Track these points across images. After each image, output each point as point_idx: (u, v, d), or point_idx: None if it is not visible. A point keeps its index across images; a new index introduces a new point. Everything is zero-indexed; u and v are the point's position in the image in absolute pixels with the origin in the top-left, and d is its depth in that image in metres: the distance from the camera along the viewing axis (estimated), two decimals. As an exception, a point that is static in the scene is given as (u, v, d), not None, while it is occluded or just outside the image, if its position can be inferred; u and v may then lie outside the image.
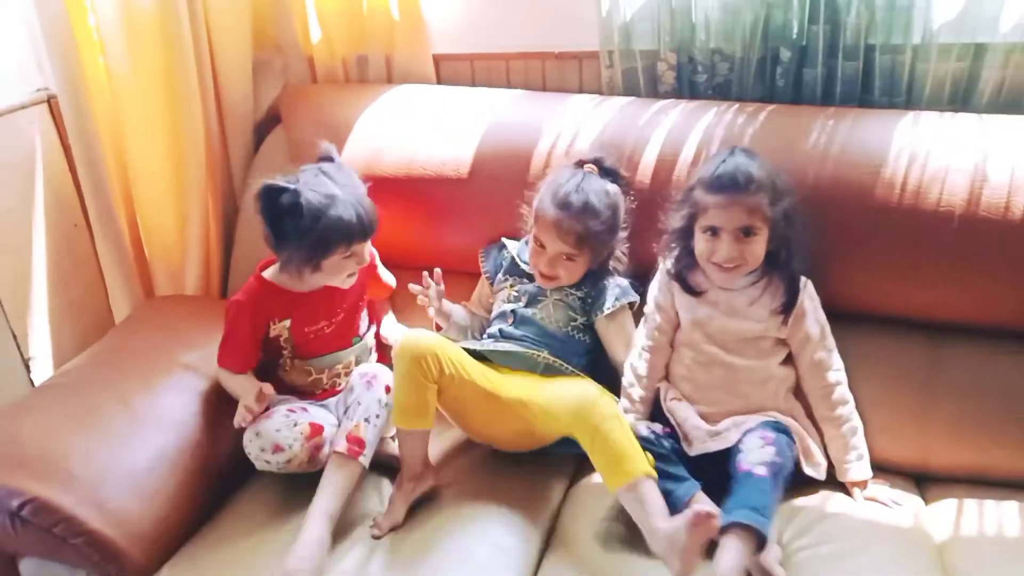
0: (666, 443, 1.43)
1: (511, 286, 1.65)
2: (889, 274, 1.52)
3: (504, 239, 1.71)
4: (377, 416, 1.49)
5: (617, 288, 1.61)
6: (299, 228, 1.45)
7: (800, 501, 1.44)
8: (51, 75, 1.77)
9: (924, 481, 1.53)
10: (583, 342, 1.62)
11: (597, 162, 1.60)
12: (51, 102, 1.89)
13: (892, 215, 1.49)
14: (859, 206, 1.51)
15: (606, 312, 1.59)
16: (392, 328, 1.76)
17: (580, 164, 1.60)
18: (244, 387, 1.51)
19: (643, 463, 1.34)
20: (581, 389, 1.43)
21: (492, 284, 1.70)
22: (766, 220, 1.42)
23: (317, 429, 1.49)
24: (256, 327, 1.56)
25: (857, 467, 1.45)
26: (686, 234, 1.50)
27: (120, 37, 1.76)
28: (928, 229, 1.47)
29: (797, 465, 1.42)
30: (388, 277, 1.76)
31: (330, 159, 1.58)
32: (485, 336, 1.65)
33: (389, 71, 1.98)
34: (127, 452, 1.46)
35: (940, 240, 1.47)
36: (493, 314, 1.68)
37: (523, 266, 1.64)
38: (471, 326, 1.72)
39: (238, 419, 1.47)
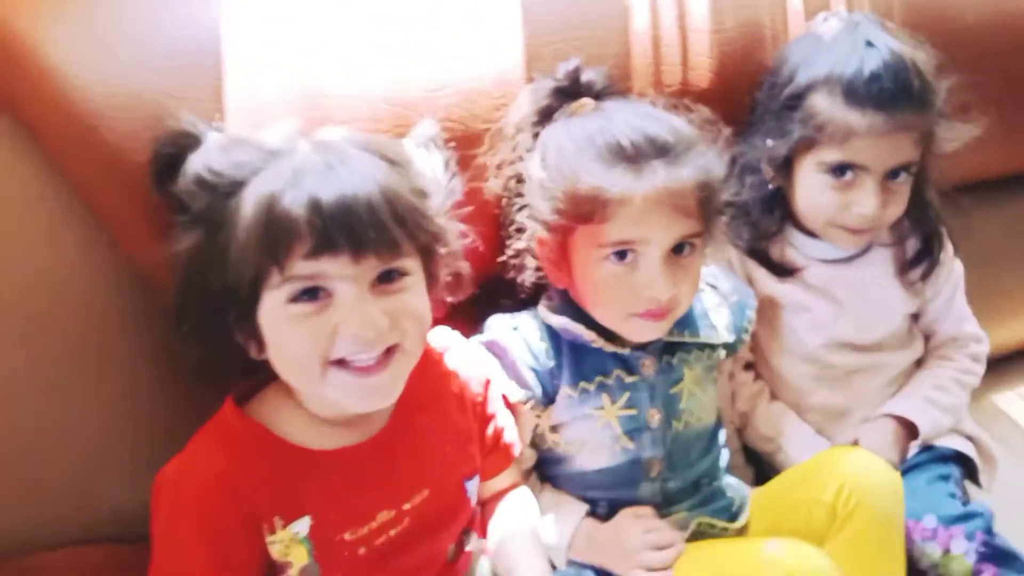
0: None
1: (612, 402, 0.85)
2: None
3: (508, 320, 0.86)
4: None
5: (735, 292, 0.93)
6: (192, 221, 0.66)
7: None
8: None
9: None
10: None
11: (589, 85, 0.86)
12: None
13: None
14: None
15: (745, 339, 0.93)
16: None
17: (567, 96, 0.85)
18: None
19: None
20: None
21: (544, 409, 0.85)
22: (920, 150, 0.91)
23: None
24: (232, 539, 0.65)
25: (917, 409, 0.96)
26: (781, 171, 0.93)
27: None
28: None
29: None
30: (510, 429, 0.85)
31: None
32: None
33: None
34: None
35: None
36: (586, 465, 0.87)
37: (605, 344, 0.85)
38: None
39: None
